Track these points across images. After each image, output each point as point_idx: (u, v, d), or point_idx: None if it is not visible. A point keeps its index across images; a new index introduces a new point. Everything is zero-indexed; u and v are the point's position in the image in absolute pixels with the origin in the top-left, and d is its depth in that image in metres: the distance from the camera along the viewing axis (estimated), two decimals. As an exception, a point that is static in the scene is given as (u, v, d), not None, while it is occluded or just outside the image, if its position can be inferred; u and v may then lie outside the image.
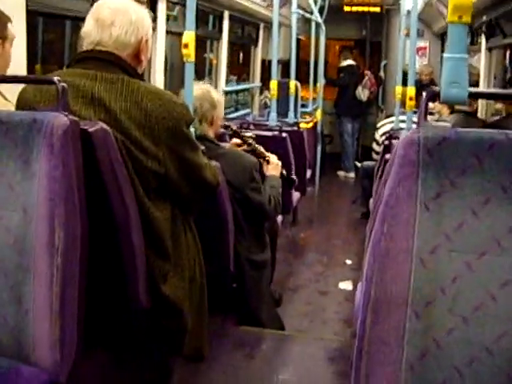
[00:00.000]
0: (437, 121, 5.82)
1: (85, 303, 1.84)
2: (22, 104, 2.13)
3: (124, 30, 2.09)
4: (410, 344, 1.44)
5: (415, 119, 4.81)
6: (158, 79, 4.70)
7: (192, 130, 2.58)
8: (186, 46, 3.01)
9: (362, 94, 9.31)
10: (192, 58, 3.02)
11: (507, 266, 1.43)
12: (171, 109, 2.08)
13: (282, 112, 6.73)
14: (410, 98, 3.80)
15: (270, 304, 3.64)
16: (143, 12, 2.21)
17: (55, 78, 1.83)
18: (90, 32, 2.09)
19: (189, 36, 3.01)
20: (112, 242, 2.05)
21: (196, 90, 3.06)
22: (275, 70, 5.68)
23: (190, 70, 3.03)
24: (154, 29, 4.67)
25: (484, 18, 5.90)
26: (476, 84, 6.68)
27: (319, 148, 8.03)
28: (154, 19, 4.65)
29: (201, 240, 2.48)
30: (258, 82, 7.94)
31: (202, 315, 2.48)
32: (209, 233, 2.80)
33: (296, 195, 5.54)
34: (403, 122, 5.53)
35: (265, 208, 3.36)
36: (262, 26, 7.90)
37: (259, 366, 2.97)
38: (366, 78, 9.41)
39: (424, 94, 1.50)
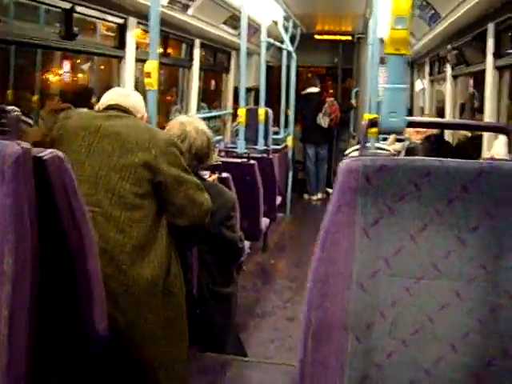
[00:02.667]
0: (408, 146, 5.90)
1: (35, 330, 1.83)
2: None
3: (137, 100, 2.75)
4: (352, 367, 1.47)
5: (377, 145, 4.90)
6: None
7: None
8: (149, 74, 3.06)
9: (323, 120, 9.45)
10: (155, 87, 3.07)
11: (445, 289, 1.47)
12: (166, 133, 2.72)
13: (253, 139, 6.79)
14: (373, 126, 3.86)
15: (234, 333, 3.64)
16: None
17: (8, 108, 1.86)
18: (112, 98, 2.68)
19: (151, 65, 3.06)
20: (66, 269, 2.06)
21: (189, 124, 3.02)
22: (243, 97, 5.74)
23: (152, 98, 3.07)
24: (123, 57, 4.73)
25: (449, 46, 6.04)
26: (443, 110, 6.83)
27: (290, 174, 8.09)
28: (123, 46, 4.70)
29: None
30: (229, 109, 8.00)
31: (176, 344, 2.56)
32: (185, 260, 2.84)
33: (265, 221, 5.57)
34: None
35: (237, 246, 3.35)
36: (233, 53, 8.00)
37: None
38: (326, 105, 9.55)
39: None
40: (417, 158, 1.47)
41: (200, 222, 2.60)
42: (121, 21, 4.66)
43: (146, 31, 5.10)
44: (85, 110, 2.93)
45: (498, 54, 4.48)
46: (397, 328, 1.48)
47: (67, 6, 3.82)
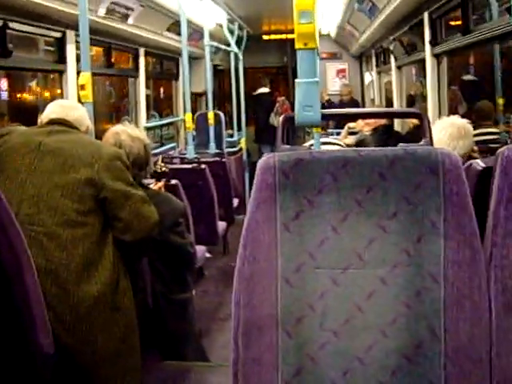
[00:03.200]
0: (358, 139, 5.95)
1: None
2: None
3: (81, 114, 2.73)
4: (285, 363, 1.48)
5: (323, 140, 4.93)
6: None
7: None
8: (83, 87, 3.03)
9: (275, 120, 9.50)
10: (89, 99, 3.04)
11: (370, 278, 1.49)
12: (111, 147, 2.65)
13: (207, 143, 6.79)
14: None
15: (193, 338, 3.62)
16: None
17: None
18: (56, 111, 2.64)
19: (85, 77, 3.04)
20: (3, 288, 2.03)
21: (123, 132, 2.98)
22: (188, 102, 5.73)
23: (88, 111, 3.04)
24: (65, 70, 4.68)
25: (391, 38, 6.13)
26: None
27: (247, 175, 8.11)
28: (64, 60, 4.65)
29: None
30: (181, 116, 7.99)
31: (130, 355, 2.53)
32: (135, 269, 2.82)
33: (222, 225, 5.57)
34: (324, 143, 5.64)
35: (186, 251, 3.31)
36: (181, 59, 7.98)
37: (181, 400, 2.96)
38: (277, 104, 9.61)
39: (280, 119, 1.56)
40: (332, 149, 1.49)
41: (147, 236, 2.58)
42: (59, 35, 4.61)
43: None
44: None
45: (434, 42, 4.56)
46: (327, 319, 1.49)
47: (-1, 22, 3.78)
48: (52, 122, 2.57)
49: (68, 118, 2.59)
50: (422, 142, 1.52)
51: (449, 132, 2.90)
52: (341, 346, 1.49)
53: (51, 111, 2.64)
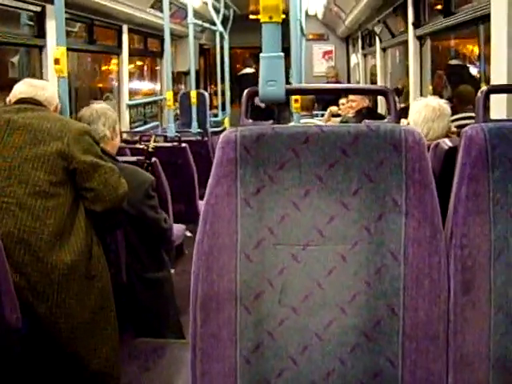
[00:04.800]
0: (341, 121, 5.95)
1: None
2: None
3: (51, 94, 2.70)
4: (243, 338, 1.47)
5: (305, 120, 4.92)
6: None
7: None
8: (57, 61, 2.99)
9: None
10: (64, 74, 3.01)
11: (330, 254, 1.48)
12: (79, 123, 2.67)
13: (190, 122, 6.76)
14: (296, 101, 3.89)
15: (170, 317, 3.61)
16: None
17: None
18: (25, 91, 2.62)
19: (60, 51, 3.00)
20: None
21: (90, 109, 3.11)
22: (170, 80, 5.69)
23: (63, 86, 3.01)
24: (44, 46, 4.63)
25: (376, 20, 6.10)
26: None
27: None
28: (43, 35, 4.60)
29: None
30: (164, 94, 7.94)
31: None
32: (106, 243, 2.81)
33: (202, 204, 5.54)
34: (307, 124, 5.63)
35: (161, 225, 3.32)
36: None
37: (153, 378, 2.97)
38: None
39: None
40: (295, 125, 1.47)
41: (117, 206, 2.61)
42: (38, 9, 4.56)
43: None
44: None
45: (417, 24, 4.54)
46: (286, 296, 1.48)
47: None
48: (20, 100, 2.58)
49: (37, 97, 2.60)
50: (386, 120, 1.51)
51: (424, 113, 2.89)
52: (300, 322, 1.49)
53: (19, 91, 2.64)
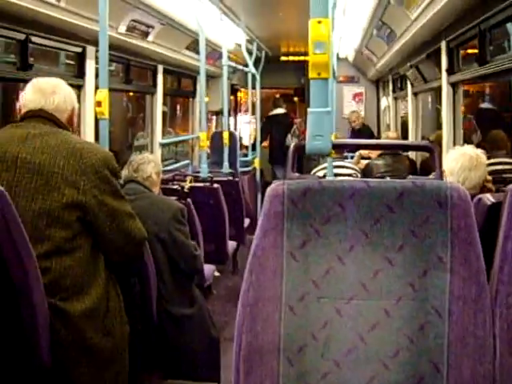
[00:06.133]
0: (369, 164, 5.96)
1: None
2: None
3: (62, 99, 2.44)
4: None
5: (337, 163, 4.94)
6: (88, 133, 4.72)
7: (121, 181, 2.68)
8: (99, 104, 3.06)
9: (292, 141, 9.49)
10: (106, 116, 3.07)
11: (374, 309, 1.49)
12: (97, 151, 2.35)
13: (220, 162, 6.81)
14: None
15: (202, 356, 3.58)
16: (69, 87, 2.56)
17: None
18: (33, 99, 2.40)
19: (102, 94, 3.07)
20: (11, 303, 2.04)
21: (142, 155, 3.55)
22: (204, 121, 5.77)
23: (103, 127, 3.08)
24: (83, 85, 4.73)
25: (408, 64, 6.14)
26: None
27: (259, 196, 8.12)
28: (83, 75, 4.71)
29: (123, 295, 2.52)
30: (196, 133, 8.03)
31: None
32: (130, 286, 2.83)
33: (232, 244, 5.57)
34: (337, 167, 5.65)
35: (191, 251, 3.37)
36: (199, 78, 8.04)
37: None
38: (295, 126, 9.62)
39: (291, 147, 1.57)
40: (342, 179, 1.49)
41: (135, 255, 2.56)
42: (79, 50, 4.67)
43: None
44: None
45: (451, 71, 4.57)
46: (329, 349, 1.49)
47: (22, 37, 3.83)
48: (29, 114, 2.36)
49: (46, 106, 2.37)
50: (431, 176, 1.53)
51: (461, 162, 2.90)
52: (342, 377, 1.48)
53: (28, 99, 2.40)
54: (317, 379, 1.48)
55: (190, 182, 4.14)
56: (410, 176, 1.36)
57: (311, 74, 1.54)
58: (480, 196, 1.86)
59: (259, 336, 1.47)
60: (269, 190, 1.51)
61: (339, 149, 3.17)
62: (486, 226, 1.74)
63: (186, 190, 3.86)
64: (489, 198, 1.81)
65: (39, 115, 2.36)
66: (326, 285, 1.48)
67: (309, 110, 1.59)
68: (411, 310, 1.48)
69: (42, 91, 2.42)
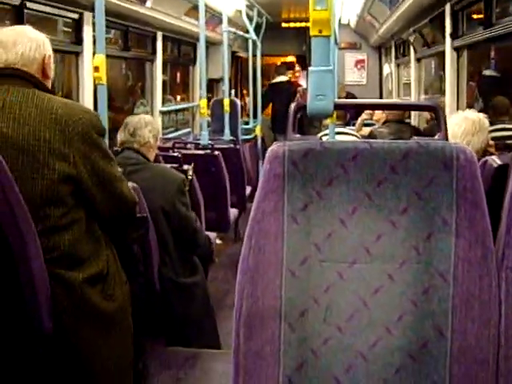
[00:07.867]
0: (372, 133, 5.90)
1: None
2: None
3: (28, 47, 2.14)
4: (286, 356, 1.45)
5: (339, 129, 4.89)
6: (86, 100, 4.66)
7: (106, 141, 2.56)
8: (97, 69, 3.01)
9: None
10: (103, 81, 3.02)
11: (377, 273, 1.45)
12: (82, 115, 2.13)
13: (222, 130, 6.75)
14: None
15: (201, 323, 3.61)
16: (39, 32, 2.25)
17: None
18: None
19: (99, 59, 3.01)
20: (10, 271, 2.02)
21: (138, 117, 3.40)
22: (204, 88, 5.70)
23: (102, 93, 3.03)
24: (81, 51, 4.66)
25: (411, 29, 6.04)
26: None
27: (261, 163, 8.07)
28: (80, 41, 4.64)
29: (124, 261, 2.47)
30: (196, 101, 7.95)
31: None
32: (133, 254, 2.80)
33: (234, 212, 5.55)
34: (339, 133, 5.59)
35: (192, 224, 3.36)
36: (199, 45, 7.93)
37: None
38: (298, 95, 9.50)
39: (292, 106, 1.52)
40: (344, 140, 1.45)
41: (129, 218, 2.44)
42: (76, 16, 4.59)
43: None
44: None
45: (455, 35, 4.49)
46: (331, 314, 1.46)
47: (17, 2, 3.76)
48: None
49: (10, 60, 2.11)
50: (436, 136, 1.48)
51: (463, 127, 2.85)
52: (344, 342, 1.46)
53: None
54: (318, 344, 1.46)
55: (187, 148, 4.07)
56: (415, 137, 1.31)
57: (312, 32, 1.49)
58: (486, 158, 1.82)
59: (260, 301, 1.44)
60: (269, 151, 1.47)
61: (342, 110, 3.10)
62: (492, 188, 1.70)
63: (189, 177, 3.78)
64: (495, 161, 1.77)
65: (11, 74, 2.10)
66: (328, 248, 1.45)
67: (310, 68, 1.54)
68: (415, 273, 1.44)
69: (3, 44, 2.13)
